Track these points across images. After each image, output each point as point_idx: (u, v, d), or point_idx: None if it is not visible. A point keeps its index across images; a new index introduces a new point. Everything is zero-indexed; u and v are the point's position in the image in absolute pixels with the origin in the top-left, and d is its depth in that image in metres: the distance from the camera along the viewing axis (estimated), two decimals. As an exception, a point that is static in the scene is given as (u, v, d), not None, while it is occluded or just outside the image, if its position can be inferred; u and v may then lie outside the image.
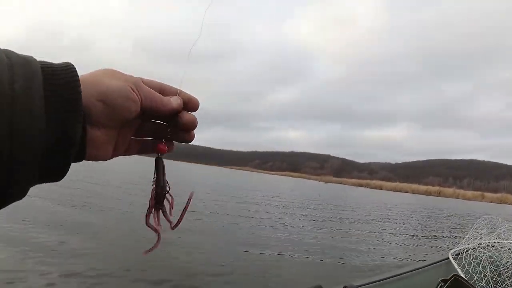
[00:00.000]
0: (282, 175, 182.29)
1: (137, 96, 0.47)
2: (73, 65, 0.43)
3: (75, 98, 0.41)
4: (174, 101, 0.51)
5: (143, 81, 0.50)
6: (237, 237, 7.49)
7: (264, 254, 6.18)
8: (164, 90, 0.52)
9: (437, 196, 78.15)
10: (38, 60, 0.42)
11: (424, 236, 10.90)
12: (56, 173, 0.42)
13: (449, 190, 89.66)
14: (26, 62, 0.40)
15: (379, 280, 2.00)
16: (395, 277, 2.09)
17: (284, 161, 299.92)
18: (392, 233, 10.47)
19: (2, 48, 0.37)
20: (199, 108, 0.54)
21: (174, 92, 0.52)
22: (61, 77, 0.41)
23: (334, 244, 7.74)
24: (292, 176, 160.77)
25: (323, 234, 9.12)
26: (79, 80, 0.42)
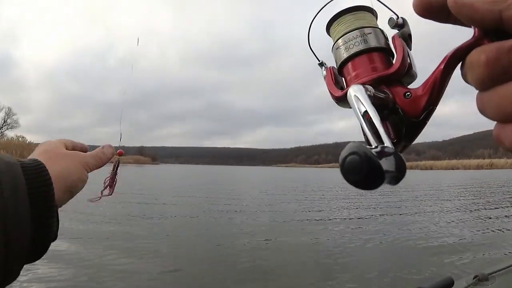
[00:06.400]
0: (329, 167, 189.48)
1: (87, 172, 0.59)
2: (42, 163, 0.48)
3: (50, 197, 0.46)
4: (109, 151, 0.70)
5: (74, 145, 0.66)
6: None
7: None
8: (77, 147, 0.67)
9: (489, 169, 76.78)
10: (14, 159, 0.47)
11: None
12: (33, 261, 0.47)
13: (501, 161, 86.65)
14: (9, 167, 0.44)
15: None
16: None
17: (329, 153, 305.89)
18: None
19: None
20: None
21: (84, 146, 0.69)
22: (38, 178, 0.46)
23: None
24: (338, 167, 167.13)
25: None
26: (51, 178, 0.47)
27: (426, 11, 0.36)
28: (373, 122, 0.38)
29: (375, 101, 0.41)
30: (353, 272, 4.87)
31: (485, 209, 10.57)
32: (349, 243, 6.24)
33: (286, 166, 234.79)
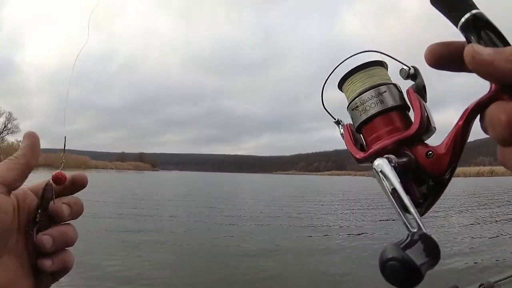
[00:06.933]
0: (328, 174, 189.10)
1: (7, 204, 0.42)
2: None
3: None
4: (29, 139, 0.48)
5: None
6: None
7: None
8: None
9: (489, 176, 77.07)
10: None
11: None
12: None
13: (501, 168, 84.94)
14: None
15: None
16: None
17: (329, 160, 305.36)
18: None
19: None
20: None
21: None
22: None
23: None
24: (338, 175, 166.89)
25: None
26: None
27: (438, 63, 0.36)
28: (402, 199, 0.40)
29: (399, 168, 0.42)
30: (358, 283, 4.87)
31: (491, 217, 10.50)
32: (352, 254, 6.22)
33: (286, 174, 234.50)
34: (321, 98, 0.58)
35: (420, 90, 0.48)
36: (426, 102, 0.48)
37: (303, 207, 14.47)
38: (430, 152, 0.44)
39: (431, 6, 0.38)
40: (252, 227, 8.94)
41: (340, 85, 0.54)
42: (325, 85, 0.56)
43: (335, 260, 5.95)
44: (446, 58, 0.36)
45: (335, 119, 0.56)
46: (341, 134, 0.54)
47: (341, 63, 0.53)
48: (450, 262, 5.55)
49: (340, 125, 0.55)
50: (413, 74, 0.48)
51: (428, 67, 0.38)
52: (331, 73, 0.54)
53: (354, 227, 9.26)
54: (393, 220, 10.10)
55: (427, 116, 0.47)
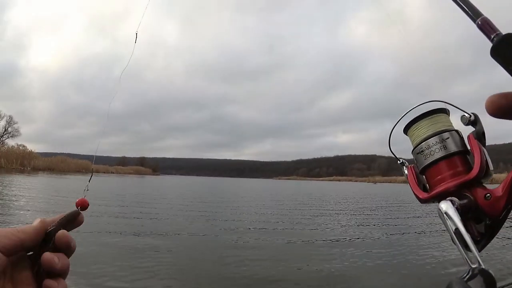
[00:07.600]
0: (330, 180, 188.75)
1: None
2: None
3: None
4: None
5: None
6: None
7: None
8: None
9: (490, 184, 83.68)
10: None
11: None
12: None
13: (502, 176, 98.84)
14: None
15: None
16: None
17: (330, 166, 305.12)
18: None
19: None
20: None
21: None
22: None
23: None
24: (339, 180, 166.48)
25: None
26: None
27: (497, 113, 0.40)
28: (464, 239, 0.45)
29: (461, 209, 0.47)
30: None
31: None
32: (356, 264, 6.14)
33: (287, 179, 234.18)
34: (388, 143, 0.63)
35: (480, 136, 0.51)
36: (485, 147, 0.51)
37: (306, 213, 14.40)
38: (488, 195, 0.48)
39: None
40: (258, 234, 8.83)
41: (406, 130, 0.59)
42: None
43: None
44: (504, 108, 0.39)
45: (400, 161, 0.61)
46: (405, 175, 0.58)
47: (408, 112, 0.58)
48: (455, 267, 5.61)
49: (404, 167, 0.59)
50: (473, 121, 0.51)
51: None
52: (398, 121, 0.59)
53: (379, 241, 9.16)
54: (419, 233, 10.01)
55: (486, 160, 0.50)
